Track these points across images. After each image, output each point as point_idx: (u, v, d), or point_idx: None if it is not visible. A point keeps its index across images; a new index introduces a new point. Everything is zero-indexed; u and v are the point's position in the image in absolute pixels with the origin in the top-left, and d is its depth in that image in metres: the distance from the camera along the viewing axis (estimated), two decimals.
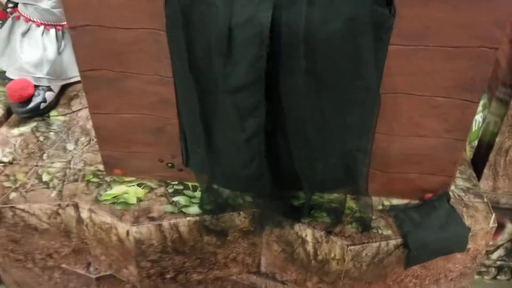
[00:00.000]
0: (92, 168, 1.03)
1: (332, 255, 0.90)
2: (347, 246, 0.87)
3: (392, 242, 0.88)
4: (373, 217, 0.90)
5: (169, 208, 0.93)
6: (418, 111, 0.81)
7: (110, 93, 0.86)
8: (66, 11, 0.80)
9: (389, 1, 0.72)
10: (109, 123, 0.90)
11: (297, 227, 0.92)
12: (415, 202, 0.96)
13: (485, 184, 1.20)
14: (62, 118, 1.20)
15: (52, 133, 1.15)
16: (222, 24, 0.69)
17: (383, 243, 0.88)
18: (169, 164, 0.96)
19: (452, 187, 0.98)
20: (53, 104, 1.22)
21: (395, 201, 0.96)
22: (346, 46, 0.71)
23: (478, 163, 1.17)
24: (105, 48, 0.82)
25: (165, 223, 0.90)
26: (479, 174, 1.13)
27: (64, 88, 1.29)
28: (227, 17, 0.69)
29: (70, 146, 1.11)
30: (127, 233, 0.90)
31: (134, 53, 0.80)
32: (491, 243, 1.23)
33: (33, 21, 1.17)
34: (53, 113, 1.22)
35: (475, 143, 1.19)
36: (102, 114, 0.90)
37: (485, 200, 0.97)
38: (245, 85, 0.73)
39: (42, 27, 1.18)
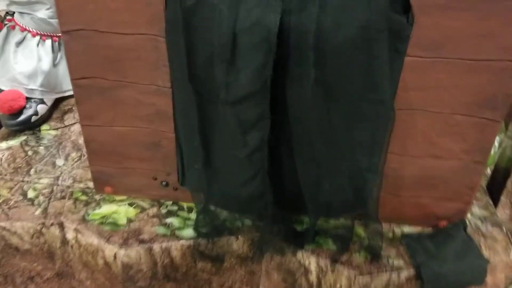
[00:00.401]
0: (81, 185, 0.99)
1: (338, 286, 0.84)
2: (355, 277, 0.82)
3: (404, 274, 0.83)
4: (383, 246, 0.86)
5: (161, 230, 0.89)
6: (434, 129, 0.78)
7: (103, 103, 0.82)
8: (60, 14, 0.76)
9: (406, 8, 0.68)
10: (101, 136, 0.87)
11: (299, 254, 0.86)
12: (428, 230, 0.91)
13: (502, 212, 1.14)
14: (53, 132, 1.16)
15: (41, 147, 1.11)
16: (226, 28, 0.65)
17: (394, 274, 0.83)
18: (164, 183, 0.92)
19: (468, 215, 0.92)
20: (45, 118, 1.19)
21: (407, 229, 0.91)
22: (359, 54, 0.67)
23: (494, 190, 1.11)
24: (99, 55, 0.78)
25: (156, 247, 0.86)
26: (495, 202, 1.08)
27: (58, 102, 1.26)
28: (231, 21, 0.65)
29: (59, 162, 1.07)
30: (115, 256, 0.85)
31: (131, 60, 0.77)
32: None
33: (29, 31, 1.15)
34: (44, 127, 1.18)
35: (491, 168, 1.12)
36: (94, 126, 0.86)
37: (504, 230, 0.92)
38: (249, 95, 0.68)
39: (37, 37, 1.15)
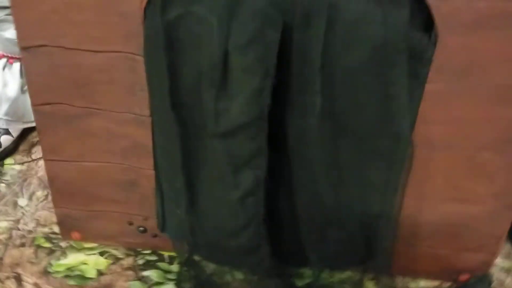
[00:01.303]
0: (46, 229, 0.92)
1: None
2: None
3: None
4: None
5: (137, 285, 0.82)
6: (458, 169, 0.72)
7: (70, 134, 0.76)
8: (18, 27, 0.68)
9: (428, 26, 0.61)
10: (67, 173, 0.81)
11: None
12: (448, 285, 0.86)
13: None
14: (18, 167, 1.09)
15: (2, 184, 1.03)
16: (217, 45, 0.58)
17: None
18: (141, 228, 0.85)
19: None
20: (10, 151, 1.11)
21: (423, 283, 0.85)
22: (373, 80, 0.60)
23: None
24: (65, 76, 0.71)
25: None
26: None
27: (25, 133, 1.17)
28: (223, 37, 0.58)
29: (22, 202, 0.99)
30: None
31: (103, 83, 0.70)
32: None
33: None
34: (8, 161, 1.10)
35: None
36: (59, 161, 0.80)
37: None
38: (242, 126, 0.62)
39: (4, 60, 1.07)
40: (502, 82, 0.64)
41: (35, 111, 0.75)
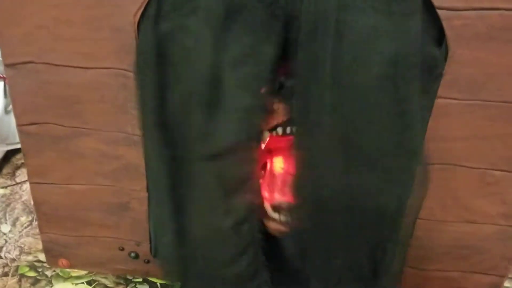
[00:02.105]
0: (30, 257, 0.89)
1: None
2: None
3: None
4: None
5: None
6: (468, 188, 0.70)
7: (57, 156, 0.74)
8: (2, 43, 0.65)
9: (439, 39, 0.58)
10: (54, 196, 0.78)
11: None
12: None
13: None
14: (1, 191, 1.06)
15: None
16: (210, 60, 0.55)
17: None
18: (133, 254, 0.83)
19: None
20: None
21: None
22: (386, 96, 0.56)
23: None
24: (53, 95, 0.69)
25: None
26: None
27: (10, 155, 1.15)
28: (216, 50, 0.55)
29: (5, 228, 0.96)
30: None
31: (93, 101, 0.68)
32: None
33: None
34: None
35: None
36: (46, 184, 0.77)
37: None
38: (233, 147, 0.58)
39: None
40: None
41: (21, 132, 0.72)
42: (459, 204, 0.71)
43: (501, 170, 0.68)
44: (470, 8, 0.57)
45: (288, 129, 0.62)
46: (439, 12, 0.57)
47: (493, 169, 0.68)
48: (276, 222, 0.65)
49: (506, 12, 0.57)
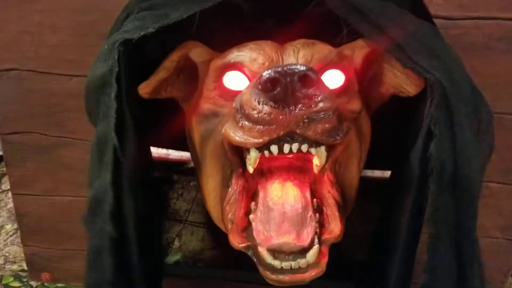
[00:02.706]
0: (15, 267, 0.88)
1: None
2: None
3: None
4: None
5: None
6: None
7: (40, 166, 0.73)
8: None
9: None
10: (37, 208, 0.77)
11: None
12: None
13: None
14: None
15: None
16: None
17: None
18: None
19: None
20: None
21: None
22: None
23: None
24: (36, 103, 0.67)
25: None
26: None
27: None
28: None
29: None
30: None
31: (78, 110, 0.66)
32: None
33: None
34: None
35: None
36: (29, 195, 0.76)
37: None
38: None
39: None
40: (511, 110, 0.61)
41: (3, 141, 0.71)
42: None
43: (497, 183, 0.66)
44: (467, 17, 0.56)
45: (286, 147, 0.46)
46: (436, 21, 0.56)
47: (489, 181, 0.66)
48: (277, 272, 0.48)
49: (504, 22, 0.56)
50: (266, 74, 0.42)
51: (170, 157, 1.08)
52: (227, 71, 0.53)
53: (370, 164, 0.61)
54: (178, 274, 0.80)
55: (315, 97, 0.43)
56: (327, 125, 0.44)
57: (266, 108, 0.43)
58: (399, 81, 0.54)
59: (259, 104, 0.43)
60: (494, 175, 0.66)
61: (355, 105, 0.53)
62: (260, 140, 0.44)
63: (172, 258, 0.87)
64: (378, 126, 0.58)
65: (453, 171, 0.47)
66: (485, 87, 0.58)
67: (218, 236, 0.53)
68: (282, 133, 0.44)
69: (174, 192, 0.99)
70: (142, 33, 0.48)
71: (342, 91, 0.52)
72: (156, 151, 1.07)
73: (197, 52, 0.58)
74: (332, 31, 0.54)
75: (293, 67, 0.41)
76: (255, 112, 0.43)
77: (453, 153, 0.47)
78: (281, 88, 0.42)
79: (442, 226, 0.49)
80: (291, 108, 0.43)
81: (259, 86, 0.43)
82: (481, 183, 0.53)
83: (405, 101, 0.55)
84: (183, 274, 0.81)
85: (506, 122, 0.61)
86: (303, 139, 0.45)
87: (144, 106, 0.60)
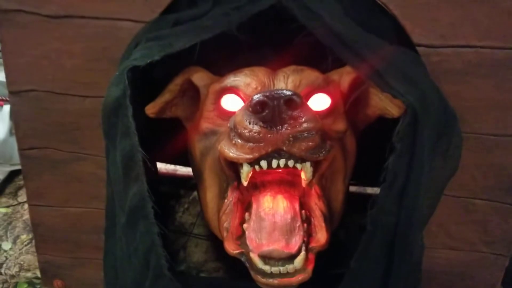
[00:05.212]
0: (29, 274, 0.88)
1: None
2: None
3: None
4: None
5: None
6: (451, 216, 0.70)
7: (55, 179, 0.74)
8: (8, 72, 0.67)
9: None
10: (51, 219, 0.77)
11: None
12: None
13: None
14: (3, 210, 1.05)
15: None
16: None
17: None
18: None
19: None
20: None
21: None
22: None
23: (508, 282, 0.98)
24: (53, 121, 0.69)
25: None
26: None
27: (13, 175, 1.15)
28: None
29: (6, 245, 0.95)
30: None
31: (90, 128, 0.69)
32: None
33: None
34: None
35: None
36: (44, 206, 0.77)
37: None
38: None
39: None
40: (493, 129, 0.63)
41: (22, 156, 0.72)
42: (442, 231, 0.71)
43: (482, 199, 0.68)
44: (447, 45, 0.59)
45: (274, 162, 0.50)
46: (418, 49, 0.59)
47: (474, 198, 0.68)
48: (267, 276, 0.51)
49: (481, 50, 0.59)
50: (256, 97, 0.47)
51: (178, 172, 1.10)
52: (224, 94, 0.57)
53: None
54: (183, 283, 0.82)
55: (299, 118, 0.47)
56: (310, 143, 0.48)
57: (256, 128, 0.48)
58: (384, 104, 0.58)
59: (250, 124, 0.48)
60: (478, 192, 0.67)
61: (341, 125, 0.57)
62: (251, 156, 0.49)
63: (177, 268, 0.89)
64: (372, 145, 0.61)
65: (403, 184, 0.51)
66: (466, 110, 0.62)
67: (221, 248, 0.56)
68: (270, 149, 0.48)
69: (180, 206, 1.00)
70: (148, 61, 0.53)
71: (328, 113, 0.56)
72: (164, 167, 1.10)
73: (198, 77, 0.62)
74: (321, 58, 0.58)
75: (279, 92, 0.46)
76: (246, 131, 0.48)
77: (408, 168, 0.51)
78: (269, 110, 0.46)
79: (380, 226, 0.54)
80: (278, 127, 0.47)
81: (250, 108, 0.48)
82: (433, 200, 0.59)
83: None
84: (188, 284, 0.82)
85: (487, 142, 0.63)
86: (289, 156, 0.49)
87: (152, 125, 0.64)
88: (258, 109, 0.47)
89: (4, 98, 1.07)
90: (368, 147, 0.62)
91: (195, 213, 0.98)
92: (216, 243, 0.91)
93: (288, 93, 0.46)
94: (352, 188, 0.88)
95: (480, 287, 0.76)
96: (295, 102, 0.46)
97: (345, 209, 0.62)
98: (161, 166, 1.09)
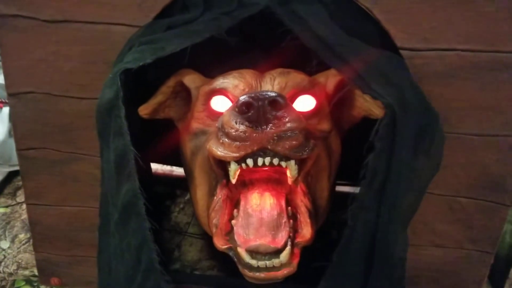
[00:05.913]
0: (27, 272, 0.89)
1: None
2: None
3: None
4: None
5: None
6: (436, 214, 0.70)
7: (52, 179, 0.75)
8: (7, 74, 0.68)
9: None
10: (49, 217, 0.78)
11: None
12: None
13: None
14: (2, 210, 1.06)
15: None
16: None
17: None
18: None
19: None
20: None
21: None
22: None
23: (496, 279, 0.99)
24: (50, 122, 0.70)
25: None
26: None
27: (11, 176, 1.16)
28: None
29: (4, 244, 0.96)
30: None
31: (87, 129, 0.70)
32: None
33: None
34: None
35: None
36: (41, 205, 0.77)
37: None
38: None
39: None
40: (475, 129, 0.64)
41: (20, 156, 0.73)
42: (428, 229, 0.71)
43: (466, 197, 0.68)
44: (430, 48, 0.60)
45: (260, 160, 0.52)
46: (402, 52, 0.60)
47: (458, 196, 0.69)
48: (253, 270, 0.53)
49: (462, 53, 0.60)
50: (242, 99, 0.49)
51: (174, 173, 1.11)
52: (213, 95, 0.59)
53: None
54: (176, 281, 0.83)
55: (283, 118, 0.49)
56: (294, 142, 0.50)
57: (242, 127, 0.50)
58: (369, 105, 0.60)
59: (236, 123, 0.50)
60: (462, 190, 0.68)
61: (325, 125, 0.59)
62: (237, 154, 0.51)
63: (171, 267, 0.90)
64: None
65: (383, 181, 0.53)
66: (450, 111, 0.63)
67: (214, 246, 0.58)
68: (256, 148, 0.50)
69: (176, 206, 1.01)
70: (140, 63, 0.55)
71: (313, 114, 0.58)
72: (160, 168, 1.11)
73: (190, 79, 0.64)
74: (308, 61, 0.60)
75: (264, 93, 0.48)
76: (233, 130, 0.50)
77: (387, 166, 0.53)
78: (254, 111, 0.48)
79: (360, 222, 0.56)
80: (263, 127, 0.49)
81: (236, 109, 0.50)
82: (417, 198, 0.60)
83: None
84: (181, 281, 0.83)
85: (470, 142, 0.64)
86: (274, 154, 0.51)
87: (145, 127, 0.66)
88: (244, 110, 0.49)
89: (3, 100, 1.08)
90: (360, 147, 0.64)
91: (190, 213, 0.99)
92: (210, 242, 0.92)
93: (273, 94, 0.48)
94: (345, 189, 0.89)
95: (466, 284, 0.76)
96: (279, 103, 0.48)
97: (331, 206, 0.64)
98: (158, 167, 1.10)
